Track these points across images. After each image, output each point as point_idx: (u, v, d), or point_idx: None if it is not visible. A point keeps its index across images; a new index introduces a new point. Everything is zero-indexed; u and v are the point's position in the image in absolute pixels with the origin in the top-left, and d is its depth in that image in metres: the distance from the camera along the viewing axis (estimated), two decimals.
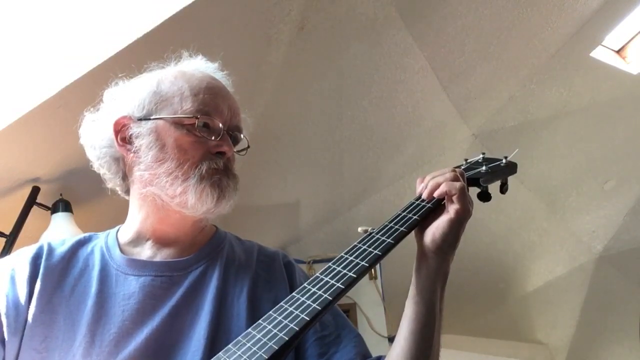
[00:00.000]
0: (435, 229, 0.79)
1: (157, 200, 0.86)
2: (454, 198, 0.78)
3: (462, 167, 0.98)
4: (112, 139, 0.88)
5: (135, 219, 0.90)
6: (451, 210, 0.78)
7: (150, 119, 0.86)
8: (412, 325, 0.79)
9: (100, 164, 0.91)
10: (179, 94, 0.87)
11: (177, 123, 0.85)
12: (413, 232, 0.81)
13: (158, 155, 0.84)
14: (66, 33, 1.65)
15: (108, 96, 0.92)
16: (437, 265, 0.80)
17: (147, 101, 0.87)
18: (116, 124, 0.87)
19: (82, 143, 0.92)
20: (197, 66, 0.94)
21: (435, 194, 0.81)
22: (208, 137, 0.86)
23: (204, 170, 0.84)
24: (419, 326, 0.79)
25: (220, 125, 0.86)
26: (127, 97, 0.89)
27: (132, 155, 0.87)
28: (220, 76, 0.95)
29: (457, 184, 0.79)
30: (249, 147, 0.94)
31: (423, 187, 0.84)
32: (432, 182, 0.82)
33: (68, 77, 1.63)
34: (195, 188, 0.83)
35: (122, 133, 0.87)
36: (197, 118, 0.85)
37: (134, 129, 0.86)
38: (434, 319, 0.79)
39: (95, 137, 0.90)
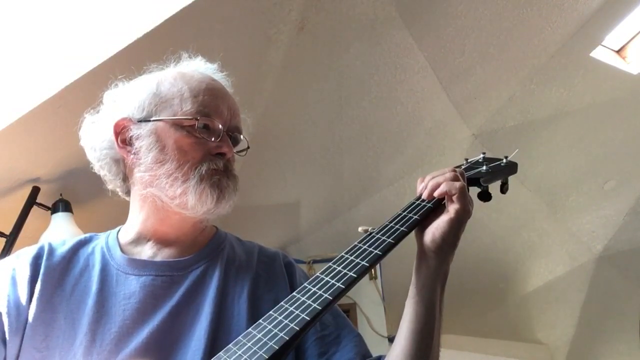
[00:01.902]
0: (435, 229, 0.79)
1: (157, 201, 0.86)
2: (454, 198, 0.79)
3: (463, 167, 0.98)
4: (112, 140, 0.88)
5: (136, 220, 0.90)
6: (451, 210, 0.79)
7: (150, 121, 0.86)
8: (412, 325, 0.79)
9: (100, 165, 0.91)
10: (178, 96, 0.87)
11: (177, 124, 0.85)
12: (413, 231, 0.81)
13: (158, 156, 0.84)
14: (66, 33, 1.65)
15: (108, 98, 0.92)
16: (437, 264, 0.80)
17: (146, 103, 0.87)
18: (116, 125, 0.87)
19: (82, 145, 0.92)
20: (197, 67, 0.94)
21: (435, 194, 0.81)
22: (208, 138, 0.86)
23: (203, 171, 0.84)
24: (419, 326, 0.79)
25: (220, 126, 0.87)
26: (127, 98, 0.89)
27: (132, 157, 0.87)
28: (220, 77, 0.95)
29: (457, 184, 0.79)
30: (248, 147, 0.94)
31: (423, 187, 0.84)
32: (432, 182, 0.83)
33: (68, 77, 1.63)
34: (195, 189, 0.83)
35: (122, 135, 0.87)
36: (197, 120, 0.85)
37: (134, 131, 0.86)
38: (433, 319, 0.79)
39: (95, 138, 0.90)
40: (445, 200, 0.81)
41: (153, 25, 1.63)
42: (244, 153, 0.94)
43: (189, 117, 0.85)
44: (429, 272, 0.80)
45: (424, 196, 0.83)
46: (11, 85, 1.66)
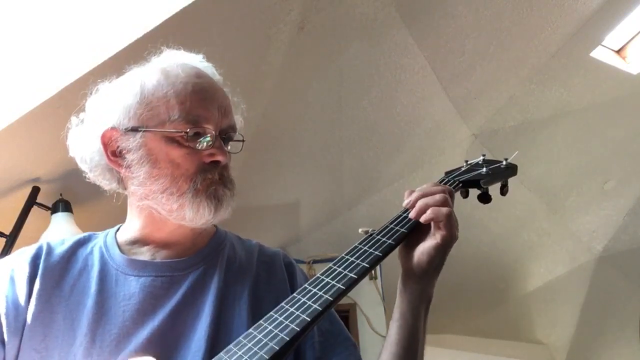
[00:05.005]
0: (421, 254, 0.79)
1: (155, 213, 0.85)
2: (441, 225, 0.77)
3: (463, 169, 0.98)
4: (101, 151, 0.85)
5: (134, 226, 0.89)
6: (438, 236, 0.78)
7: (138, 131, 0.83)
8: (395, 349, 0.79)
9: (94, 175, 0.89)
10: (164, 102, 0.83)
11: (167, 136, 0.82)
12: (398, 254, 0.81)
13: (151, 171, 0.82)
14: (66, 33, 1.65)
15: (91, 105, 0.89)
16: (421, 288, 0.80)
17: (132, 111, 0.83)
18: (103, 137, 0.85)
19: (72, 155, 0.90)
20: (181, 60, 0.90)
21: (422, 220, 0.79)
22: (200, 146, 0.83)
23: (199, 184, 0.82)
24: (402, 350, 0.79)
25: (212, 131, 0.83)
26: (111, 106, 0.86)
27: (124, 170, 0.85)
28: (206, 66, 0.91)
29: (444, 210, 0.77)
30: (244, 141, 0.91)
31: (410, 203, 0.82)
32: (421, 202, 0.80)
33: (68, 77, 1.63)
34: (191, 203, 0.81)
35: (111, 146, 0.85)
36: (186, 132, 0.81)
37: (123, 143, 0.84)
38: (416, 343, 0.80)
39: (84, 150, 0.88)
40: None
41: (153, 25, 1.63)
42: (239, 149, 0.91)
43: (179, 131, 0.81)
44: (414, 297, 0.80)
45: (411, 216, 0.81)
46: (11, 85, 1.66)
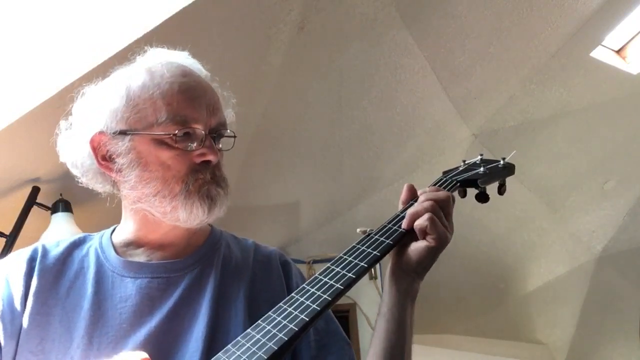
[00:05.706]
0: (412, 253, 0.79)
1: (149, 215, 0.85)
2: (428, 230, 0.78)
3: (460, 169, 0.98)
4: (91, 155, 0.85)
5: (129, 228, 0.89)
6: (429, 238, 0.78)
7: (126, 134, 0.82)
8: (384, 343, 0.79)
9: (87, 179, 0.89)
10: (151, 104, 0.82)
11: (156, 139, 0.81)
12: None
13: (142, 175, 0.82)
14: (66, 33, 1.65)
15: (78, 110, 0.89)
16: (408, 285, 0.81)
17: (119, 115, 0.83)
18: (92, 141, 0.84)
19: (63, 161, 0.89)
20: (165, 58, 0.88)
21: (420, 236, 0.80)
22: (190, 146, 0.82)
23: (190, 185, 0.81)
24: (389, 344, 0.79)
25: (202, 130, 0.82)
26: (98, 110, 0.85)
27: (115, 174, 0.84)
28: (191, 63, 0.90)
29: (426, 217, 0.78)
30: (235, 137, 0.90)
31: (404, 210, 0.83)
32: (409, 212, 0.81)
33: (68, 77, 1.63)
34: (184, 204, 0.81)
35: (100, 151, 0.84)
36: (174, 134, 0.81)
37: (112, 147, 0.83)
38: (404, 336, 0.80)
39: (74, 156, 0.87)
40: None
41: (153, 25, 1.63)
42: (231, 145, 0.90)
43: (167, 133, 0.81)
44: (400, 292, 0.80)
45: (403, 226, 0.81)
46: (11, 85, 1.67)
